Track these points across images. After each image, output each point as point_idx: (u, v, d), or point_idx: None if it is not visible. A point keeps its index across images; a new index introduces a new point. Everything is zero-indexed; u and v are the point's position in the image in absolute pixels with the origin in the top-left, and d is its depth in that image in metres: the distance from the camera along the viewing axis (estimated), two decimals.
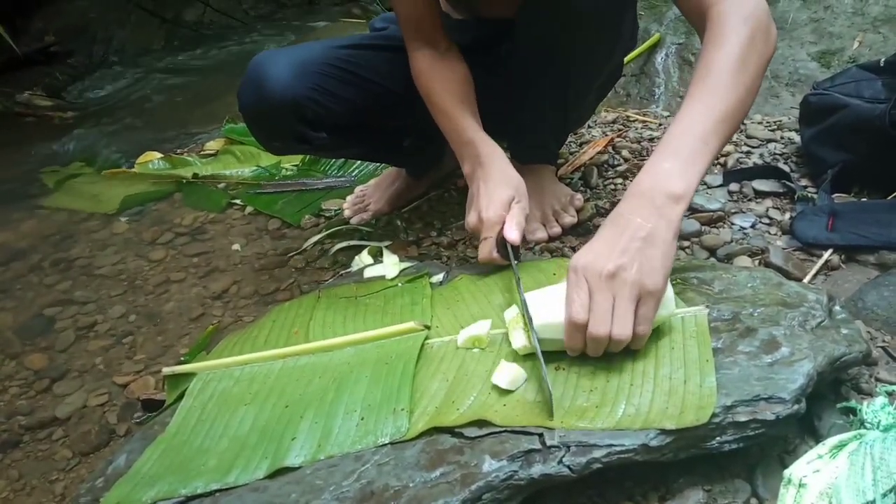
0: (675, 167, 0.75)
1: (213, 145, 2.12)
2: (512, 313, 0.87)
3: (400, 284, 1.06)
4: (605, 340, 0.72)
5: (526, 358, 0.80)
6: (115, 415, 1.04)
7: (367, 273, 1.13)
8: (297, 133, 1.14)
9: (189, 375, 0.94)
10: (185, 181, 1.85)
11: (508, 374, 0.76)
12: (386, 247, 1.31)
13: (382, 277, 1.10)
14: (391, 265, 1.12)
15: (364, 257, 1.25)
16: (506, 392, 0.75)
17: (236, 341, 1.01)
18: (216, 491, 0.73)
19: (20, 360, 1.19)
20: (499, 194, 0.99)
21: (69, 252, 1.57)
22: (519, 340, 0.80)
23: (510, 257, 0.95)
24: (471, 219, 1.02)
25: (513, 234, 0.96)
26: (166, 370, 0.95)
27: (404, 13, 1.12)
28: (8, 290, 1.43)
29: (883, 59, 1.23)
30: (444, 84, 1.11)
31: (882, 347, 0.87)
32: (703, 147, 0.76)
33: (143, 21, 3.60)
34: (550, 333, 0.77)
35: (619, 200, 1.27)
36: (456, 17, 1.22)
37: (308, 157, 1.86)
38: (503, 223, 0.97)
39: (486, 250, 0.98)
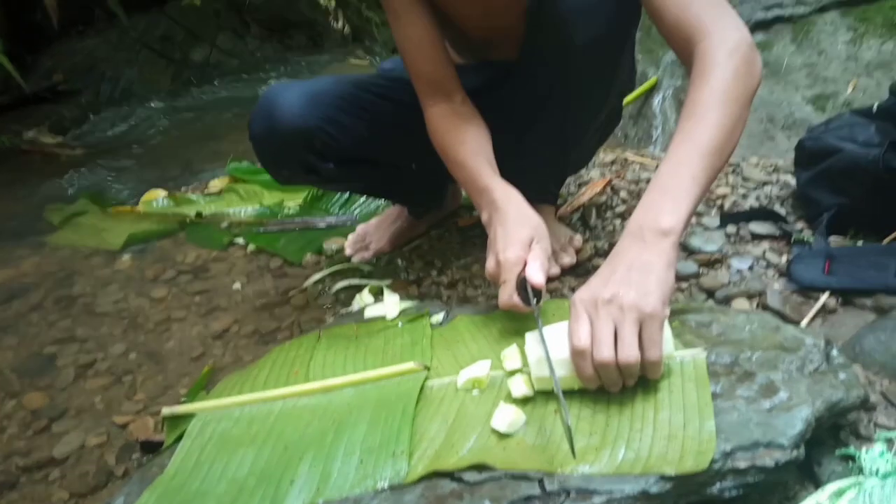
0: (664, 204, 0.78)
1: (217, 184, 2.14)
2: (511, 354, 0.87)
3: (400, 324, 1.07)
4: (612, 366, 0.73)
5: (526, 400, 0.80)
6: (113, 456, 1.03)
7: (368, 313, 1.14)
8: (306, 162, 1.16)
9: (188, 416, 0.94)
10: (188, 219, 1.87)
11: (507, 417, 0.76)
12: (387, 286, 1.31)
13: (383, 317, 1.10)
14: (392, 305, 1.13)
15: (365, 296, 1.25)
16: (505, 435, 0.75)
17: (236, 381, 1.01)
18: None
19: (19, 400, 1.19)
20: (517, 234, 0.95)
21: (71, 289, 1.58)
22: (518, 389, 0.80)
23: (531, 302, 0.89)
24: (489, 263, 0.97)
25: (537, 277, 0.91)
26: (165, 411, 0.95)
27: (419, 70, 1.12)
28: (9, 328, 1.44)
29: (876, 105, 1.25)
30: (460, 137, 1.11)
31: (881, 392, 0.87)
32: (691, 183, 0.78)
33: (151, 61, 3.67)
34: (561, 370, 0.77)
35: (617, 241, 1.31)
36: (460, 62, 1.25)
37: (310, 195, 1.88)
38: (523, 265, 0.93)
39: (507, 295, 0.92)
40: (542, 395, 0.81)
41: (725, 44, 0.83)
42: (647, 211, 0.79)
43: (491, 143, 1.13)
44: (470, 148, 1.09)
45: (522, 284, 0.92)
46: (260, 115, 1.14)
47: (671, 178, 0.79)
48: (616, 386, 0.76)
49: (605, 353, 0.72)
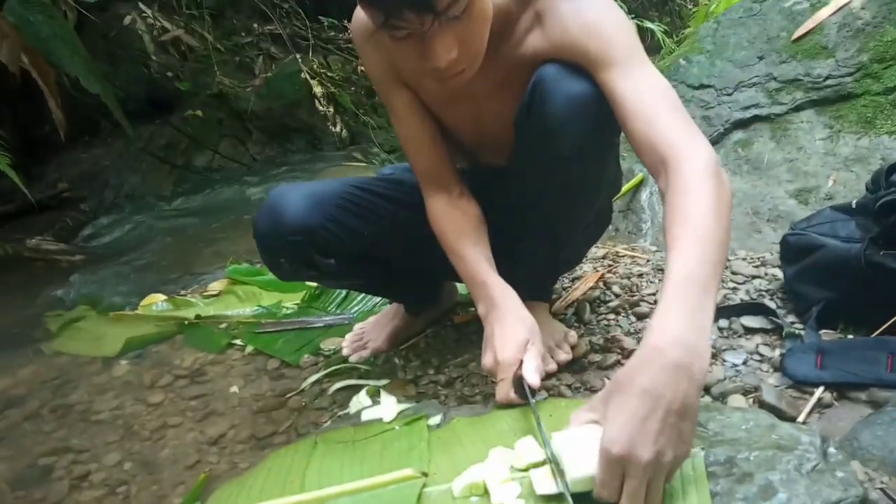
0: (689, 321, 0.74)
1: (216, 286, 2.17)
2: (527, 448, 0.87)
3: (398, 427, 1.06)
4: None
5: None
6: None
7: (365, 416, 1.14)
8: (307, 259, 1.20)
9: None
10: (187, 322, 1.88)
11: None
12: (383, 386, 1.32)
13: (380, 420, 1.10)
14: (389, 407, 1.13)
15: (362, 398, 1.25)
16: None
17: (230, 491, 1.00)
18: None
19: None
20: (513, 336, 1.05)
21: (68, 398, 1.57)
22: (544, 486, 0.80)
23: (528, 398, 0.97)
24: (487, 360, 1.07)
25: (533, 378, 1.00)
26: None
27: (420, 165, 1.22)
28: (4, 439, 1.42)
29: (855, 201, 1.30)
30: (457, 227, 1.19)
31: (880, 489, 0.86)
32: (704, 295, 0.76)
33: (153, 167, 3.79)
34: (580, 487, 0.76)
35: (612, 336, 1.32)
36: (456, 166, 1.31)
37: (308, 294, 1.90)
38: (519, 364, 1.02)
39: (504, 392, 1.02)
40: (542, 501, 0.80)
41: (698, 160, 0.85)
42: (670, 330, 0.74)
43: (487, 236, 1.21)
44: (468, 240, 1.18)
45: (518, 382, 0.99)
46: (265, 214, 1.19)
47: (685, 292, 0.76)
48: None
49: None
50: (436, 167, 1.21)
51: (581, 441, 0.77)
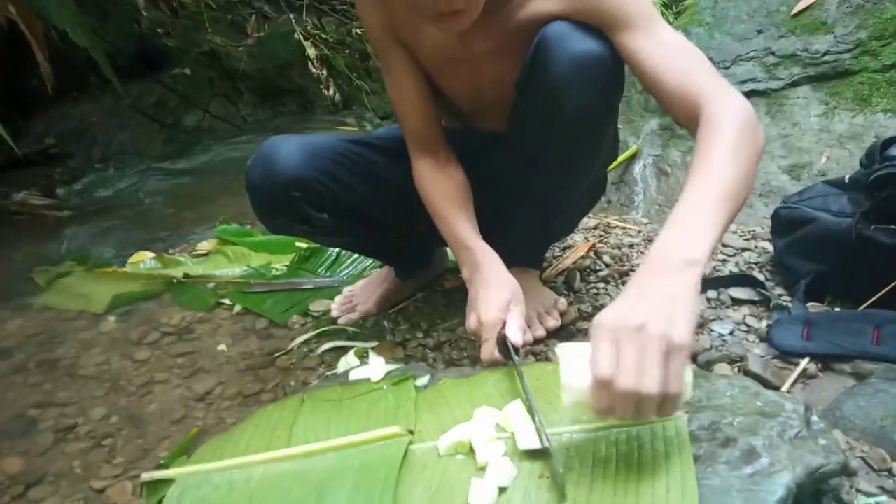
0: (687, 237, 0.76)
1: (205, 245, 2.16)
2: (515, 409, 0.88)
3: (385, 387, 1.07)
4: (634, 396, 0.68)
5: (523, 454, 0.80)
6: None
7: (353, 375, 1.14)
8: (301, 213, 1.19)
9: (168, 481, 0.92)
10: (175, 281, 1.87)
11: (483, 492, 0.75)
12: (372, 348, 1.32)
13: (368, 380, 1.10)
14: (377, 367, 1.13)
15: (350, 359, 1.25)
16: None
17: (217, 445, 1.00)
18: None
19: None
20: (496, 297, 1.06)
21: (55, 352, 1.56)
22: (525, 442, 0.81)
23: (512, 357, 0.99)
24: (471, 322, 1.08)
25: (516, 336, 1.02)
26: (144, 476, 0.93)
27: (409, 124, 1.20)
28: None
29: (848, 176, 1.30)
30: (443, 191, 1.19)
31: (861, 458, 0.87)
32: (709, 221, 0.77)
33: (143, 126, 3.73)
34: (577, 397, 0.76)
35: (602, 305, 1.33)
36: (448, 125, 1.29)
37: (298, 256, 1.89)
38: (502, 325, 1.03)
39: (488, 351, 1.03)
40: (526, 461, 0.80)
41: (732, 108, 0.86)
42: (670, 243, 0.77)
43: (472, 201, 1.21)
44: (454, 205, 1.18)
45: (502, 342, 1.02)
46: (258, 164, 1.18)
47: (690, 216, 0.78)
48: (628, 415, 0.71)
49: (631, 381, 0.68)
50: (425, 130, 1.20)
51: (575, 355, 0.77)
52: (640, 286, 0.75)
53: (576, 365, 0.76)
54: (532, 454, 0.81)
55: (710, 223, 0.77)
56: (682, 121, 0.93)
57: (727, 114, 0.85)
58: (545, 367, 1.05)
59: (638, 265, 1.50)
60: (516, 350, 1.01)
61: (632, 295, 0.74)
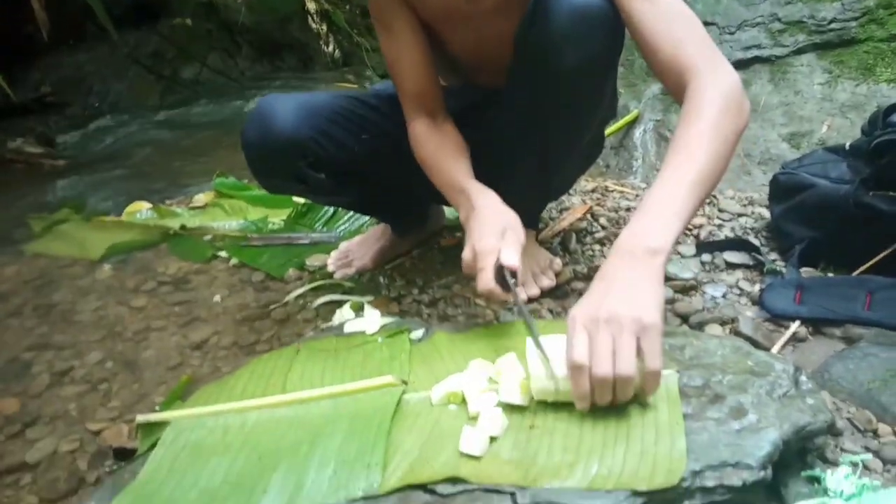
0: (653, 227, 0.80)
1: (202, 198, 2.14)
2: (509, 365, 0.89)
3: (380, 339, 1.07)
4: (610, 381, 0.74)
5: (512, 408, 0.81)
6: (85, 462, 1.02)
7: (348, 327, 1.15)
8: (298, 172, 1.18)
9: (162, 424, 0.93)
10: (172, 232, 1.86)
11: (474, 440, 0.76)
12: (368, 302, 1.32)
13: (363, 332, 1.11)
14: (372, 320, 1.14)
15: (346, 312, 1.26)
16: None
17: (212, 391, 1.01)
18: None
19: None
20: (491, 225, 1.01)
21: (50, 297, 1.57)
22: (511, 396, 0.82)
23: (510, 286, 0.95)
24: (466, 254, 1.02)
25: (512, 259, 0.96)
26: (139, 418, 0.94)
27: (406, 88, 1.18)
28: None
29: (848, 143, 1.30)
30: (439, 147, 1.17)
31: (847, 419, 0.89)
32: (678, 210, 0.80)
33: (139, 76, 3.68)
34: (543, 384, 0.79)
35: (597, 266, 1.33)
36: (446, 84, 1.28)
37: (295, 211, 1.89)
38: (497, 253, 0.97)
39: (484, 280, 0.96)
40: (517, 411, 0.82)
41: (718, 84, 0.86)
42: (636, 232, 0.81)
43: (469, 155, 1.19)
44: (450, 156, 1.16)
45: (499, 271, 0.96)
46: (254, 123, 1.16)
47: (659, 204, 0.81)
48: (606, 400, 0.76)
49: (604, 367, 0.73)
50: (424, 90, 1.18)
51: (559, 346, 0.80)
52: (607, 278, 0.80)
53: (542, 356, 0.81)
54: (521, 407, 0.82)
55: (679, 210, 0.81)
56: (671, 89, 0.93)
57: (713, 90, 0.85)
58: (536, 323, 1.06)
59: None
60: (514, 275, 0.96)
61: (600, 288, 0.79)
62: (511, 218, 1.04)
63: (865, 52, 1.85)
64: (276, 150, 1.15)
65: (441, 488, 0.72)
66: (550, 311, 1.24)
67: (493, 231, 1.00)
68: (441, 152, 1.17)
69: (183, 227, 1.87)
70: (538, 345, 0.82)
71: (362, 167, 1.27)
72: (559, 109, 1.11)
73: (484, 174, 1.20)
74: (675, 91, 0.92)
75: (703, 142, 0.83)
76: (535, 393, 0.81)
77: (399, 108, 1.22)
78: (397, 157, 1.26)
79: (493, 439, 0.78)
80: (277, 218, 1.92)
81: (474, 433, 0.77)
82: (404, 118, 1.21)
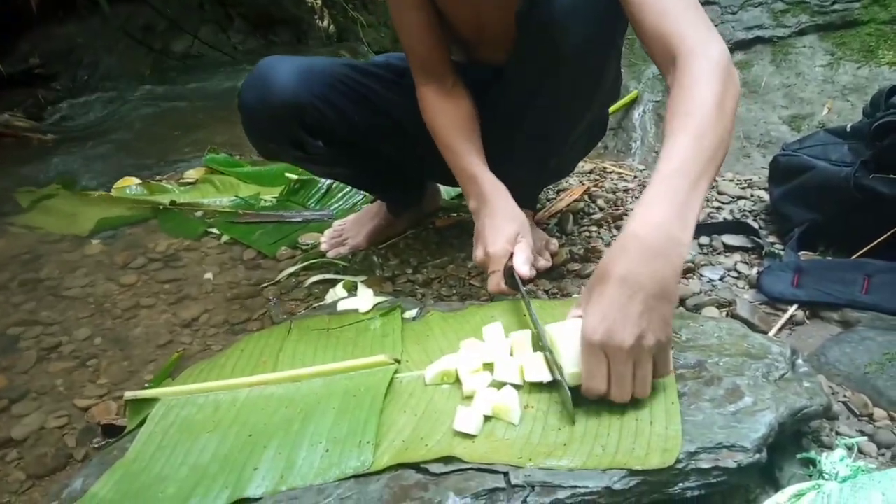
0: (674, 211, 0.72)
1: (192, 174, 2.11)
2: (494, 334, 0.89)
3: (373, 318, 1.06)
4: (626, 401, 0.74)
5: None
6: (73, 438, 1.01)
7: (341, 306, 1.13)
8: (295, 137, 1.16)
9: (152, 401, 0.92)
10: (162, 207, 1.84)
11: (469, 419, 0.76)
12: (361, 281, 1.31)
13: (356, 311, 1.10)
14: (365, 299, 1.12)
15: (339, 290, 1.25)
16: None
17: (203, 369, 1.00)
18: None
19: None
20: (504, 230, 1.04)
21: (38, 272, 1.54)
22: (537, 374, 0.81)
23: (520, 288, 0.98)
24: (478, 253, 1.07)
25: (524, 269, 1.00)
26: (128, 394, 0.93)
27: (413, 49, 1.16)
28: None
29: (849, 125, 1.28)
30: (450, 119, 1.16)
31: (843, 402, 0.88)
32: (694, 189, 0.73)
33: (130, 49, 3.62)
34: (572, 381, 0.76)
35: (593, 247, 1.32)
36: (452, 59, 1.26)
37: (287, 188, 1.86)
38: (509, 257, 1.02)
39: (495, 282, 1.02)
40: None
41: (709, 54, 0.81)
42: (655, 221, 0.72)
43: (479, 128, 1.18)
44: (461, 134, 1.15)
45: (509, 274, 1.01)
46: (253, 85, 1.14)
47: (675, 184, 0.74)
48: None
49: (624, 396, 0.73)
50: (432, 55, 1.16)
51: (569, 335, 0.77)
52: (628, 283, 0.71)
53: (565, 347, 0.77)
54: (515, 386, 0.81)
55: (694, 192, 0.73)
56: (658, 63, 0.89)
57: (706, 64, 0.80)
58: (533, 303, 1.04)
59: (631, 210, 1.50)
60: (523, 282, 1.00)
61: (621, 298, 0.70)
62: (522, 220, 1.07)
63: (868, 34, 1.83)
64: (274, 114, 1.13)
65: (434, 467, 0.71)
66: (546, 292, 1.22)
67: (506, 236, 1.04)
68: (452, 128, 1.15)
69: (173, 203, 1.85)
70: (552, 356, 0.80)
71: (361, 136, 1.25)
72: (561, 89, 1.09)
73: (485, 152, 1.18)
74: (660, 60, 0.88)
75: (710, 116, 0.77)
76: (569, 378, 0.77)
77: (401, 81, 1.20)
78: (397, 132, 1.24)
79: (487, 419, 0.77)
80: (269, 195, 1.89)
81: (469, 412, 0.76)
82: (406, 91, 1.19)
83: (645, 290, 0.70)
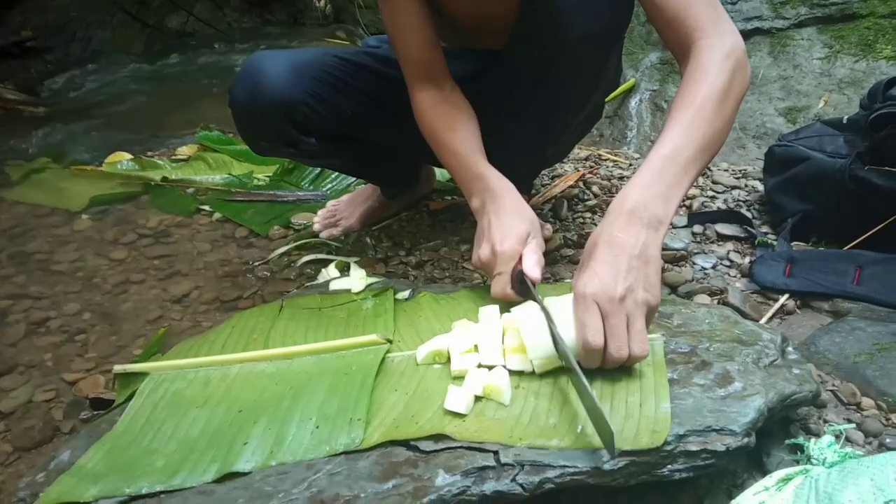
0: (659, 192, 0.78)
1: (185, 151, 2.10)
2: (489, 315, 0.88)
3: (365, 298, 1.06)
4: (624, 359, 0.75)
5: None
6: (61, 412, 1.01)
7: (333, 285, 1.13)
8: (287, 135, 1.15)
9: (141, 375, 0.92)
10: (153, 183, 1.83)
11: (459, 398, 0.75)
12: (354, 262, 1.30)
13: (348, 290, 1.10)
14: (358, 279, 1.12)
15: (331, 270, 1.24)
16: None
17: (192, 344, 0.99)
18: (161, 492, 0.71)
19: None
20: (515, 228, 0.95)
21: (27, 246, 1.53)
22: (516, 363, 0.80)
23: (534, 294, 0.87)
24: (483, 252, 0.97)
25: (535, 272, 0.92)
26: (117, 368, 0.92)
27: (408, 55, 1.10)
28: None
29: (846, 118, 1.28)
30: (449, 123, 1.10)
31: (832, 391, 0.89)
32: (683, 175, 0.79)
33: (124, 24, 3.58)
34: (544, 353, 0.77)
35: (587, 233, 1.32)
36: (444, 46, 1.24)
37: (281, 168, 1.85)
38: (519, 258, 0.93)
39: (501, 286, 0.92)
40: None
41: (723, 46, 0.84)
42: (642, 196, 0.78)
43: (479, 131, 1.12)
44: (461, 135, 1.08)
45: (519, 276, 0.91)
46: (243, 83, 1.12)
47: (666, 167, 0.79)
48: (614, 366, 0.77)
49: (622, 350, 0.73)
50: (426, 58, 1.11)
51: (564, 310, 0.77)
52: (615, 245, 0.76)
53: (534, 325, 0.79)
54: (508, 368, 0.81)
55: (682, 178, 0.79)
56: (674, 51, 0.92)
57: (719, 53, 0.84)
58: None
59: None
60: (534, 286, 0.90)
61: (609, 258, 0.76)
62: (533, 219, 0.99)
63: (866, 27, 1.83)
64: (265, 112, 1.11)
65: (424, 445, 0.71)
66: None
67: (517, 235, 0.94)
68: (451, 130, 1.09)
69: (165, 179, 1.84)
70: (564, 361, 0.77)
71: (354, 130, 1.24)
72: (562, 78, 1.08)
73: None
74: (676, 50, 0.91)
75: (711, 107, 0.81)
76: (537, 367, 0.78)
77: (394, 68, 1.18)
78: (391, 120, 1.22)
79: (477, 399, 0.77)
80: (263, 174, 1.88)
81: (460, 392, 0.76)
82: (398, 78, 1.17)
83: (627, 251, 0.75)
